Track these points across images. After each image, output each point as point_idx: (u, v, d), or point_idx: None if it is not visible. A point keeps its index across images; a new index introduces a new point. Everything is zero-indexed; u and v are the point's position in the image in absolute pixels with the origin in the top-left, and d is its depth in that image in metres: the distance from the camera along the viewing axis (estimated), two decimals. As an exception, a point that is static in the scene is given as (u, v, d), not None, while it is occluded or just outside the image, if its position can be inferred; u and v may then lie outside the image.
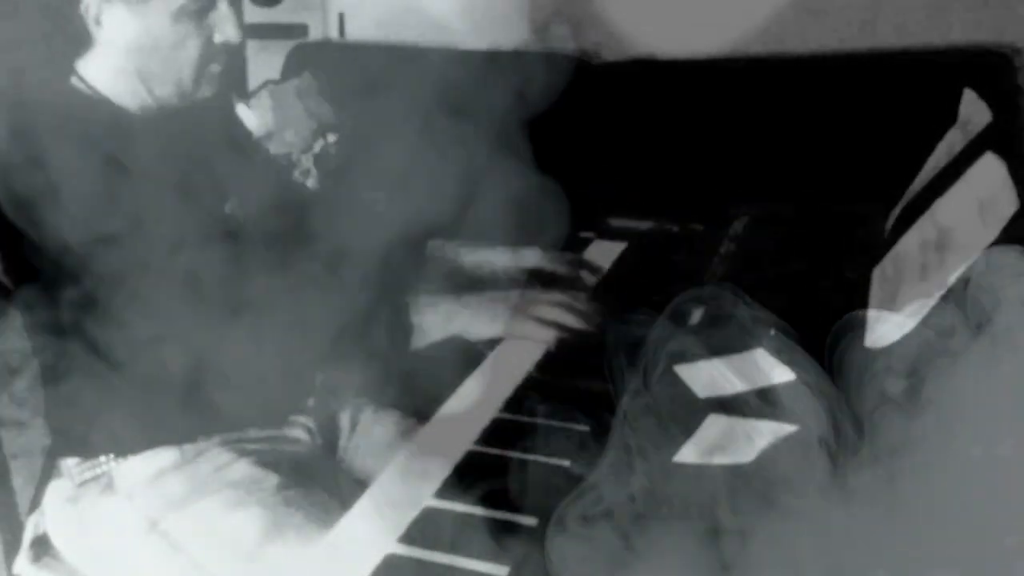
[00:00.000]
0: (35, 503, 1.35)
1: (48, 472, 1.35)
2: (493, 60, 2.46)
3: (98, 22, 1.21)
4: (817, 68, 2.23)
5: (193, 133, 1.29)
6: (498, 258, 1.58)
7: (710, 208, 1.69)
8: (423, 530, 0.93)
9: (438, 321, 1.30)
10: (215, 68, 1.27)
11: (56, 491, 1.30)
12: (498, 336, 1.32)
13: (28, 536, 1.34)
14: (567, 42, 2.46)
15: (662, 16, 2.40)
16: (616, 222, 1.84)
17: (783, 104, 2.16)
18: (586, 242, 1.76)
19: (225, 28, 1.24)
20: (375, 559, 0.89)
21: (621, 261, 1.66)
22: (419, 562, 0.89)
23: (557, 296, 1.37)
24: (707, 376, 0.95)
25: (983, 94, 1.33)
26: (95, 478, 1.26)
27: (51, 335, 1.22)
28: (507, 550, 0.88)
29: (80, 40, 1.22)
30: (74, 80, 1.24)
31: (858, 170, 1.92)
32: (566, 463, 1.02)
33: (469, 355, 1.32)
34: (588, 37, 2.54)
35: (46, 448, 1.40)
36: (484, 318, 1.32)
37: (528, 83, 1.94)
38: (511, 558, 0.87)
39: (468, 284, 1.47)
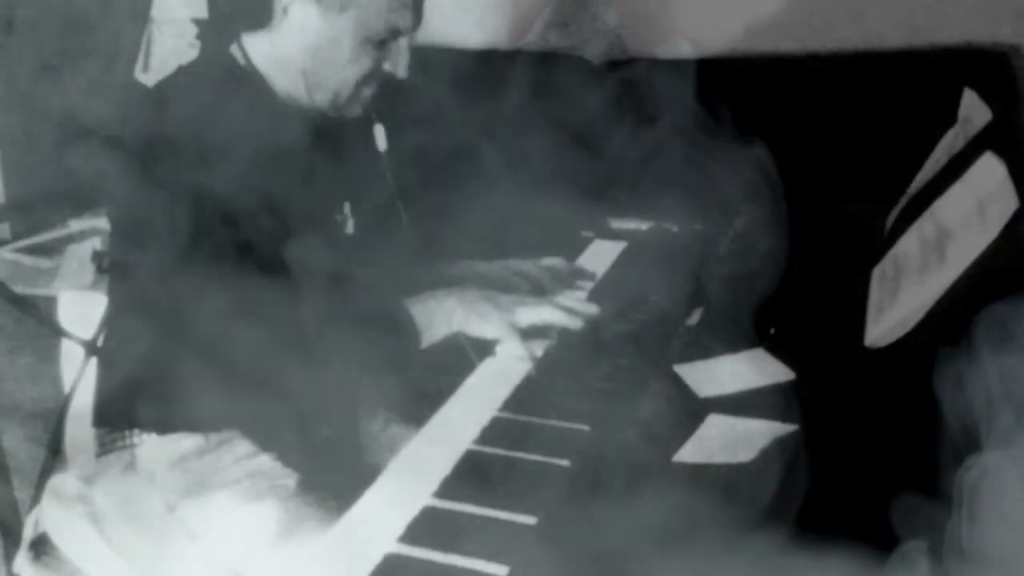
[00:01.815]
0: (35, 500, 1.35)
1: (48, 470, 1.35)
2: (493, 60, 2.47)
3: (286, 11, 1.25)
4: (817, 68, 2.23)
5: (329, 137, 1.33)
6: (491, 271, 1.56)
7: (710, 208, 1.69)
8: (423, 530, 0.93)
9: (439, 320, 1.28)
10: (368, 92, 1.31)
11: (57, 487, 1.30)
12: (493, 337, 1.29)
13: (28, 535, 1.34)
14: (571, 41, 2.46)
15: (663, 16, 2.40)
16: (616, 222, 1.84)
17: (783, 104, 2.16)
18: (586, 242, 1.76)
19: (397, 62, 1.29)
20: (375, 559, 0.89)
21: (621, 261, 1.66)
22: (419, 562, 0.89)
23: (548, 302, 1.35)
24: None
25: (983, 94, 1.33)
26: (118, 450, 1.27)
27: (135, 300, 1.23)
28: (507, 550, 0.88)
29: (258, 16, 1.26)
30: (234, 48, 1.28)
31: (858, 170, 1.92)
32: (566, 463, 1.02)
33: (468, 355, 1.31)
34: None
35: (46, 446, 1.40)
36: (481, 318, 1.29)
37: (529, 83, 1.94)
38: (511, 558, 0.87)
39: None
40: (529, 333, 1.29)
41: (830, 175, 1.98)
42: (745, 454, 0.97)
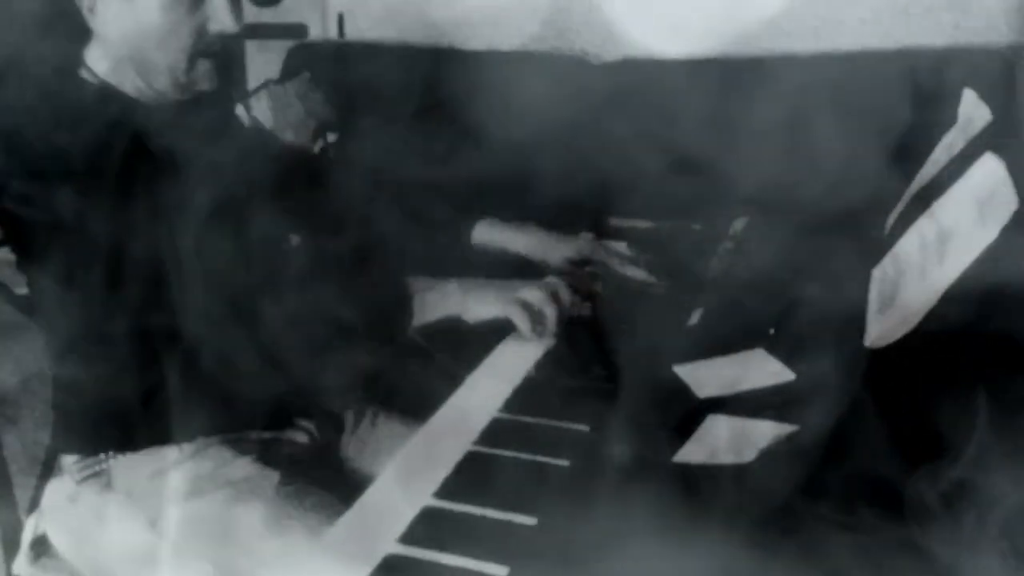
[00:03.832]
0: (34, 503, 1.35)
1: (48, 471, 1.35)
2: (494, 60, 2.47)
3: (92, 11, 1.20)
4: (817, 67, 2.23)
5: (195, 123, 1.27)
6: (533, 242, 1.55)
7: (709, 208, 1.69)
8: (423, 530, 0.93)
9: (436, 300, 1.27)
10: (205, 63, 1.25)
11: (56, 490, 1.30)
12: (491, 317, 1.28)
13: (27, 536, 1.34)
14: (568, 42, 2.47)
15: (661, 16, 2.41)
16: (616, 222, 1.84)
17: (782, 103, 2.16)
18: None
19: (221, 18, 1.22)
20: (375, 559, 0.89)
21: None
22: (419, 562, 0.89)
23: (552, 281, 1.33)
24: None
25: (983, 94, 1.33)
26: (95, 475, 1.26)
27: (63, 323, 1.22)
28: (507, 550, 0.88)
29: (79, 31, 1.21)
30: (83, 71, 1.24)
31: (858, 170, 1.92)
32: (566, 463, 1.02)
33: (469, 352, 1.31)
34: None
35: (46, 447, 1.40)
36: (480, 300, 1.28)
37: (528, 82, 1.94)
38: (511, 558, 0.87)
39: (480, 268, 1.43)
40: (533, 314, 1.28)
41: (830, 174, 1.98)
42: (745, 454, 0.97)
